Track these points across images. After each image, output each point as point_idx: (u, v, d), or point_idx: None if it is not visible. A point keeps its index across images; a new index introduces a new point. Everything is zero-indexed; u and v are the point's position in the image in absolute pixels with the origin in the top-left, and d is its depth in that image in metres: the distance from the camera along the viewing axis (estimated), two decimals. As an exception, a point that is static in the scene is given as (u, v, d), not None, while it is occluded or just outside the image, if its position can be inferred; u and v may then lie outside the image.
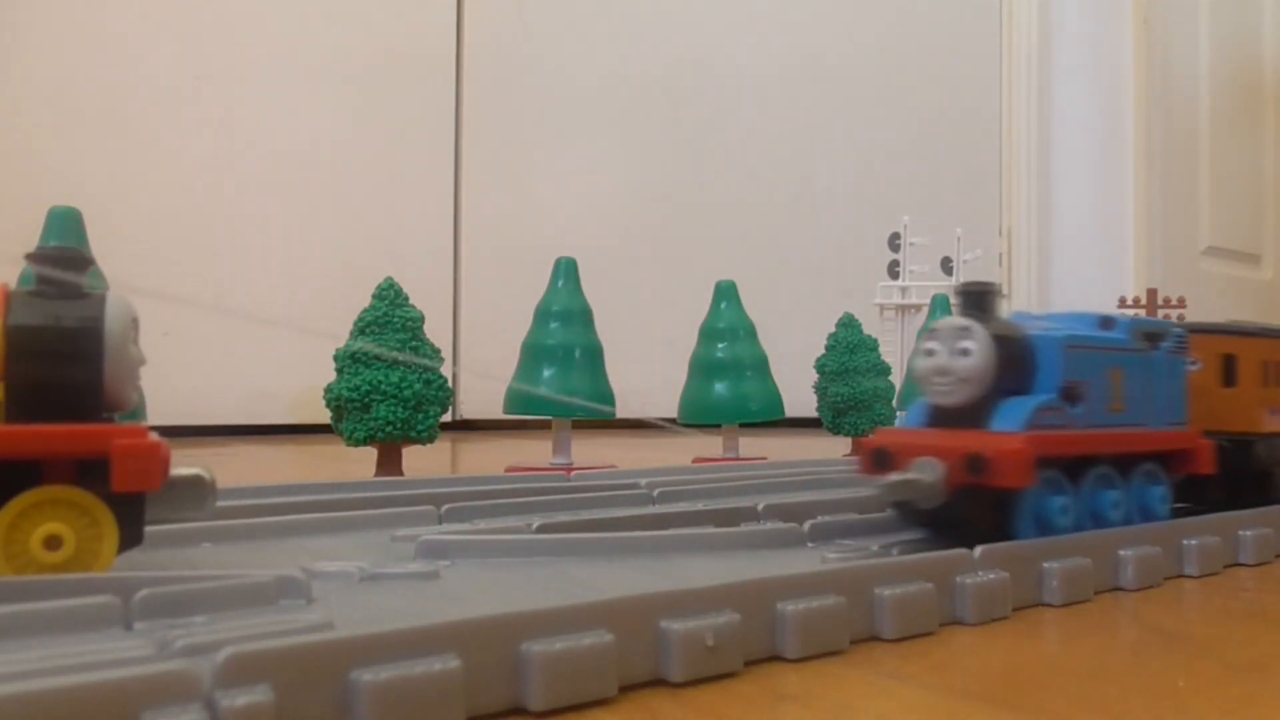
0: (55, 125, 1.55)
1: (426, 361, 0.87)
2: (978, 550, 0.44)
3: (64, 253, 0.43)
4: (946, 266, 1.49)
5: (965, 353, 0.49)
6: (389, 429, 0.88)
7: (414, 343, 0.91)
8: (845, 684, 0.34)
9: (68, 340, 0.41)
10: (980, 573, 0.43)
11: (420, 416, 0.89)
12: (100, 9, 1.58)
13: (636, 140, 2.02)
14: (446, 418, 0.94)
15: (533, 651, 0.30)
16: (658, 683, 0.33)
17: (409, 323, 0.91)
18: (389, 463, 0.92)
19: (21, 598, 0.34)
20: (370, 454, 0.94)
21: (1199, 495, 0.62)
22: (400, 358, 0.84)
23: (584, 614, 0.32)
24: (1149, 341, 0.56)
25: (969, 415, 0.50)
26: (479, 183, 1.89)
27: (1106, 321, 0.56)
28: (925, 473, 0.47)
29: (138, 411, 0.44)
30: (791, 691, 0.33)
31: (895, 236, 1.49)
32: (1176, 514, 0.56)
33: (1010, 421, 0.48)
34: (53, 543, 0.39)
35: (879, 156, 2.25)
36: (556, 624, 0.31)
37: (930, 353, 0.51)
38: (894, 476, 0.47)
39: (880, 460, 0.50)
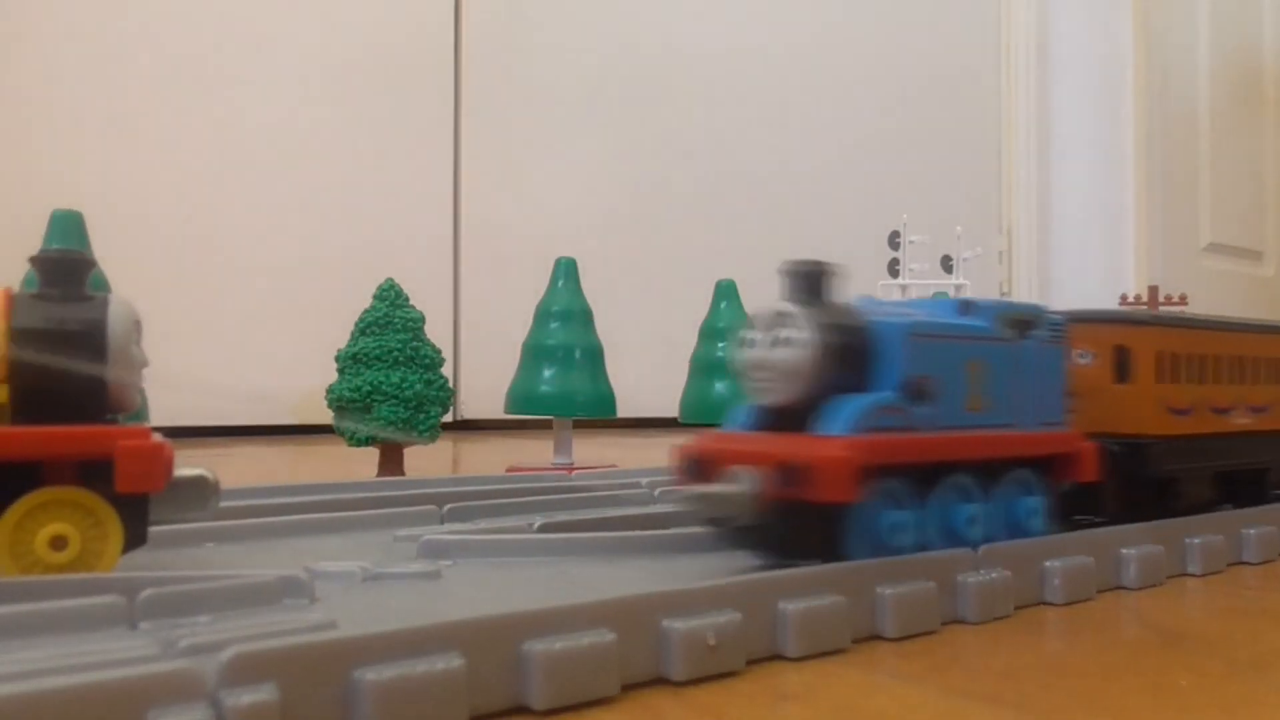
0: (54, 126, 1.55)
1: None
2: (981, 548, 0.44)
3: (66, 256, 0.43)
4: (947, 264, 1.49)
5: (785, 343, 0.42)
6: (391, 428, 0.88)
7: (415, 343, 0.91)
8: (847, 683, 0.34)
9: (71, 343, 0.41)
10: (982, 571, 0.43)
11: (421, 417, 0.90)
12: (97, 8, 1.58)
13: (635, 139, 2.02)
14: (447, 418, 0.94)
15: (534, 651, 0.30)
16: (659, 682, 0.33)
17: (409, 323, 0.91)
18: (390, 463, 0.92)
19: (27, 597, 0.34)
20: (372, 454, 0.94)
21: (1093, 506, 0.55)
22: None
23: (585, 613, 0.32)
24: (1017, 330, 0.49)
25: (795, 417, 0.43)
26: (479, 182, 1.89)
27: (966, 307, 0.49)
28: (738, 485, 0.41)
29: (141, 413, 0.44)
30: (793, 690, 0.33)
31: (895, 234, 1.49)
32: (1074, 527, 0.50)
33: (836, 424, 0.42)
34: (58, 543, 0.39)
35: (878, 153, 2.25)
36: (558, 623, 0.31)
37: (748, 343, 0.44)
38: (696, 489, 0.41)
39: (694, 470, 0.44)
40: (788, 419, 0.43)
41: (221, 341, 1.63)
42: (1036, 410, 0.49)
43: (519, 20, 1.93)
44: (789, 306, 0.43)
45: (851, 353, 0.44)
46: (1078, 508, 0.54)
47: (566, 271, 0.99)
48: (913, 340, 0.44)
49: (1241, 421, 0.62)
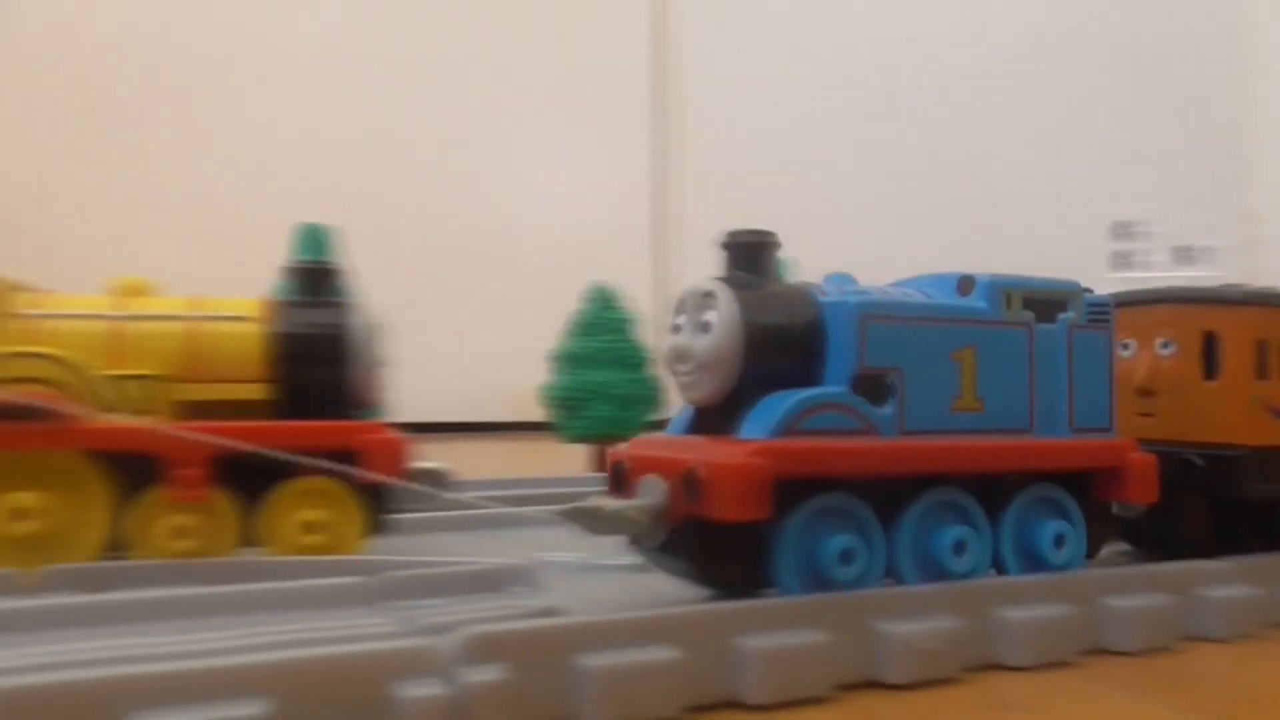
0: (299, 144, 1.69)
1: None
2: (1228, 561, 0.41)
3: (315, 265, 0.47)
4: (1184, 255, 1.38)
5: (707, 328, 0.36)
6: (602, 426, 0.91)
7: (622, 343, 0.93)
8: (1073, 697, 0.32)
9: (318, 345, 0.45)
10: (1230, 585, 0.40)
11: (630, 414, 0.92)
12: (333, 30, 1.72)
13: (851, 131, 1.99)
14: (657, 415, 0.96)
15: (749, 646, 0.31)
16: (874, 685, 0.33)
17: (617, 324, 0.94)
18: (604, 458, 0.95)
19: (284, 575, 0.38)
20: (585, 450, 0.97)
21: (1174, 532, 0.46)
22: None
23: (800, 611, 0.32)
24: (1036, 311, 0.39)
25: (724, 417, 0.36)
26: (686, 184, 1.92)
27: (965, 283, 0.40)
28: (643, 499, 0.35)
29: (380, 410, 0.48)
30: (1015, 701, 0.32)
31: (1125, 225, 1.39)
32: (1148, 559, 0.43)
33: (758, 425, 0.34)
34: (310, 527, 0.43)
35: (1100, 136, 2.11)
36: (773, 620, 0.32)
37: (676, 329, 0.37)
38: (587, 504, 0.35)
39: (618, 479, 0.38)
40: (713, 420, 0.36)
41: (444, 342, 1.73)
42: (1064, 412, 0.40)
43: (724, 22, 1.94)
44: (713, 285, 0.36)
45: (791, 340, 0.36)
46: (1164, 535, 0.46)
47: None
48: (868, 323, 0.36)
49: None
